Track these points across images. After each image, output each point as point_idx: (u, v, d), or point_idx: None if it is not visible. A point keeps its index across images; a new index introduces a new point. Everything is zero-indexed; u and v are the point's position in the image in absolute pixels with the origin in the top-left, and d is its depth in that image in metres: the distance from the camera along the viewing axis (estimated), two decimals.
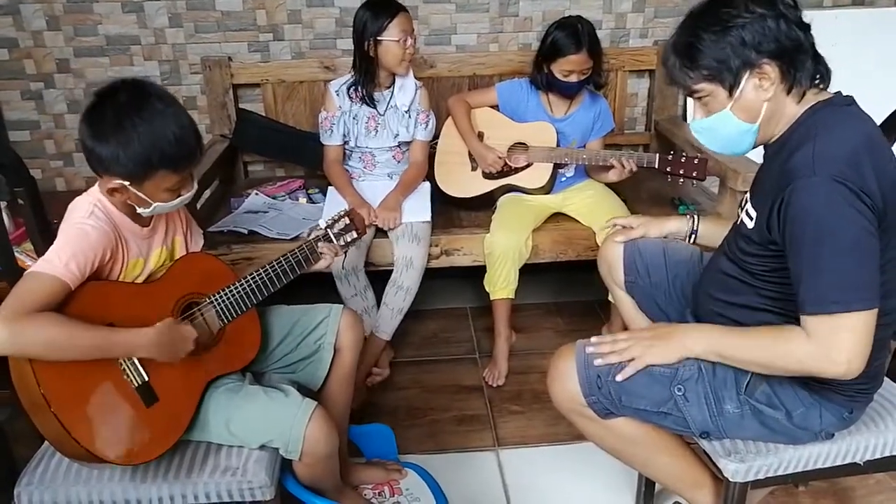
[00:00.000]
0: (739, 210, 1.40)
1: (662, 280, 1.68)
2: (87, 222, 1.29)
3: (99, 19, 2.71)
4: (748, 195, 1.38)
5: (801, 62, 1.20)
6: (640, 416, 1.39)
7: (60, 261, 1.22)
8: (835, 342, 1.13)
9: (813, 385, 1.30)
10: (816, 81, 1.23)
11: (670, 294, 1.66)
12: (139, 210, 1.36)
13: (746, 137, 1.29)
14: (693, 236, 1.69)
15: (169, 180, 1.32)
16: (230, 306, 1.45)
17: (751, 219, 1.30)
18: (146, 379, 1.30)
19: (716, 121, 1.28)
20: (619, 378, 1.34)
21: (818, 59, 1.23)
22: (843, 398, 1.30)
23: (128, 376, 1.28)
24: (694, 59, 1.23)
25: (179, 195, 1.37)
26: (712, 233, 1.65)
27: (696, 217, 1.71)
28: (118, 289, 1.34)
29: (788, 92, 1.23)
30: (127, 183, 1.30)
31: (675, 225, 1.72)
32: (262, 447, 1.39)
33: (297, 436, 1.36)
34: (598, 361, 1.37)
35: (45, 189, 2.92)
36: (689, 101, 1.45)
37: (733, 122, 1.26)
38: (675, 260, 1.68)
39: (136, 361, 1.29)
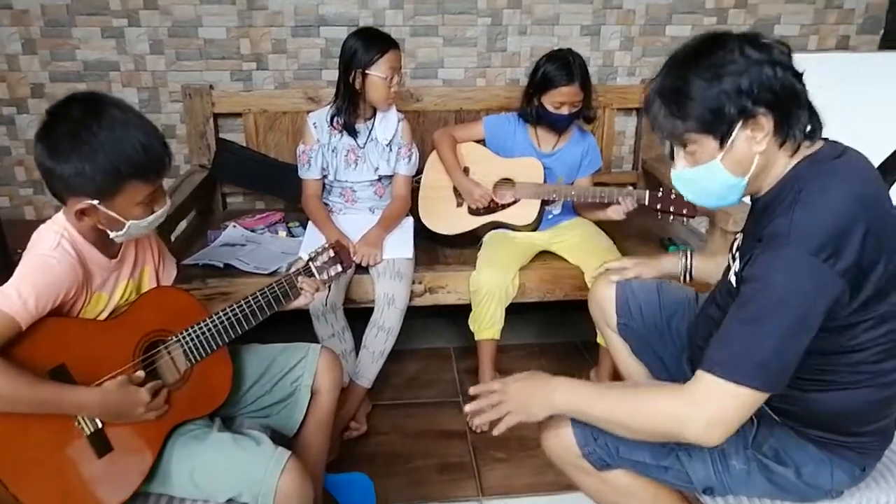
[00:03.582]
0: (730, 257, 1.33)
1: (657, 321, 1.61)
2: (53, 255, 1.20)
3: (77, 44, 2.64)
4: (738, 243, 1.31)
5: (796, 113, 1.11)
6: (639, 469, 1.30)
7: (20, 297, 1.12)
8: (710, 404, 1.06)
9: (823, 441, 1.22)
10: (808, 134, 1.15)
11: (665, 336, 1.60)
12: (112, 235, 1.26)
13: (733, 192, 1.19)
14: (688, 274, 1.63)
15: (140, 192, 1.23)
16: (199, 345, 1.35)
17: (735, 275, 1.23)
18: (100, 426, 1.19)
19: (702, 172, 1.17)
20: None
21: (812, 111, 1.15)
22: (855, 455, 1.22)
23: (80, 422, 1.18)
24: (683, 105, 1.12)
25: (153, 211, 1.27)
26: (709, 267, 1.60)
27: (688, 254, 1.66)
28: (76, 326, 1.24)
29: (781, 145, 1.14)
30: (96, 202, 1.20)
31: (670, 263, 1.66)
32: (229, 501, 1.28)
33: (268, 489, 1.25)
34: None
35: (13, 217, 2.83)
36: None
37: (721, 174, 1.15)
38: (670, 299, 1.62)
39: None
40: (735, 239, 1.34)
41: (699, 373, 1.09)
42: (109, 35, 2.64)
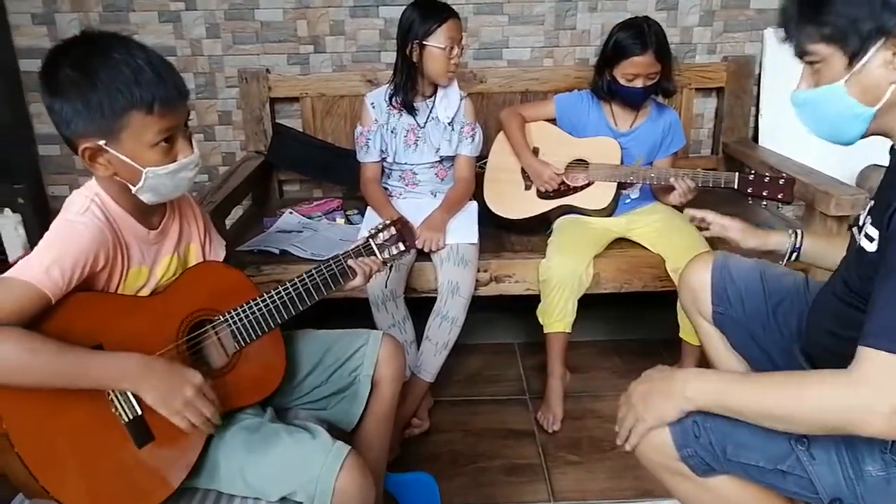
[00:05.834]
0: (856, 231, 1.14)
1: (760, 309, 1.41)
2: (80, 219, 1.09)
3: (135, 29, 2.60)
4: (868, 215, 1.12)
5: None
6: (750, 475, 1.11)
7: (41, 265, 1.02)
8: (886, 386, 0.89)
9: None
10: None
11: (770, 326, 1.40)
12: (134, 190, 1.13)
13: (855, 124, 1.04)
14: (795, 254, 1.43)
15: (149, 128, 1.08)
16: (249, 325, 1.23)
17: (871, 240, 1.04)
18: (139, 412, 1.07)
19: (823, 94, 1.04)
20: (627, 448, 1.16)
21: None
22: None
23: (117, 409, 1.06)
24: (820, 11, 1.00)
25: (175, 159, 1.14)
26: (819, 251, 1.40)
27: (798, 232, 1.46)
28: (111, 301, 1.12)
29: None
30: (102, 142, 1.08)
31: (777, 240, 1.46)
32: (283, 500, 1.15)
33: (325, 487, 1.12)
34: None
35: None
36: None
37: (844, 99, 1.02)
38: (776, 286, 1.42)
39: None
40: (860, 214, 1.14)
41: (864, 351, 0.92)
42: (166, 20, 2.60)
